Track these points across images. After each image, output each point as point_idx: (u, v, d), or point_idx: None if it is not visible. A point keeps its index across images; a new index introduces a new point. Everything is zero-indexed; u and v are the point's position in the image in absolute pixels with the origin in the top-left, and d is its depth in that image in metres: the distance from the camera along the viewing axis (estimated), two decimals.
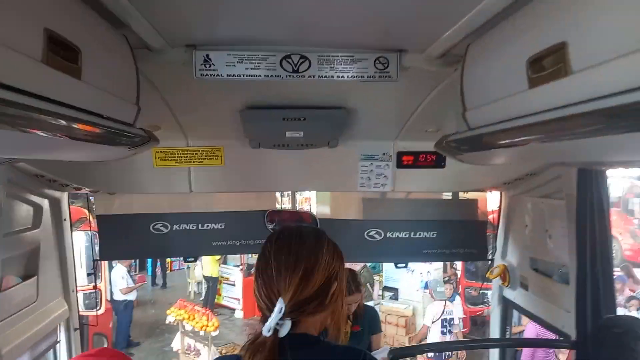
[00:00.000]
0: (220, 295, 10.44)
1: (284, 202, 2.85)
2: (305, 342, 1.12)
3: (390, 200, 2.87)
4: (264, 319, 1.06)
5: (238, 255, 10.34)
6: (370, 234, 2.80)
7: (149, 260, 12.20)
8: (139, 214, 2.69)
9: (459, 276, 9.38)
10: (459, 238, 2.80)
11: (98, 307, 5.01)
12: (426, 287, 8.12)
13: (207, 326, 5.53)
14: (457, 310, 7.73)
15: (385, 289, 8.54)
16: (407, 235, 2.80)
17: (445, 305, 6.91)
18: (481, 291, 3.38)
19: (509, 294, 2.83)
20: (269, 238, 1.22)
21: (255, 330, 1.09)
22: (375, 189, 2.57)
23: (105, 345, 7.44)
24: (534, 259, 2.55)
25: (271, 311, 1.04)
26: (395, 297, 8.46)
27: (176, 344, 6.15)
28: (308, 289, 1.09)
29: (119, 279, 7.78)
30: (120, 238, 2.69)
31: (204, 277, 10.36)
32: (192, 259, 2.85)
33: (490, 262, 2.87)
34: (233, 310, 10.16)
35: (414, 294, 8.18)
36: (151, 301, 11.12)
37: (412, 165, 2.49)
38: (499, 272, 2.76)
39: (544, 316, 2.46)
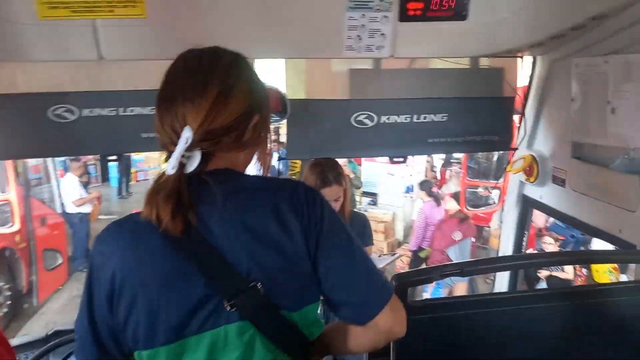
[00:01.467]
0: None
1: None
2: (226, 175, 0.91)
3: (388, 72, 2.11)
4: (168, 156, 0.85)
5: None
6: (359, 118, 2.07)
7: (111, 168, 11.40)
8: (30, 94, 1.88)
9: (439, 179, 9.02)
10: (477, 121, 2.10)
11: (10, 224, 4.31)
12: (408, 191, 7.69)
13: None
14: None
15: (364, 194, 8.06)
16: (408, 119, 2.09)
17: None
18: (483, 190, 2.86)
19: (533, 191, 2.22)
20: (176, 58, 0.96)
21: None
22: (368, 54, 1.83)
23: (61, 262, 6.92)
24: (579, 144, 1.90)
25: (176, 144, 0.83)
26: (374, 203, 8.02)
27: None
28: (222, 117, 0.86)
29: (70, 190, 6.99)
30: (5, 129, 1.89)
31: None
32: (115, 158, 2.07)
33: (511, 152, 2.22)
34: None
35: (394, 199, 7.76)
36: (117, 213, 10.48)
37: (421, 17, 1.73)
38: (525, 165, 2.12)
39: (588, 219, 1.87)
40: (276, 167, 10.77)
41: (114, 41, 1.68)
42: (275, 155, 10.91)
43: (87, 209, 7.29)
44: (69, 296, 6.71)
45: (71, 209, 7.08)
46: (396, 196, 7.60)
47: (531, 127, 2.12)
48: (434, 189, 7.13)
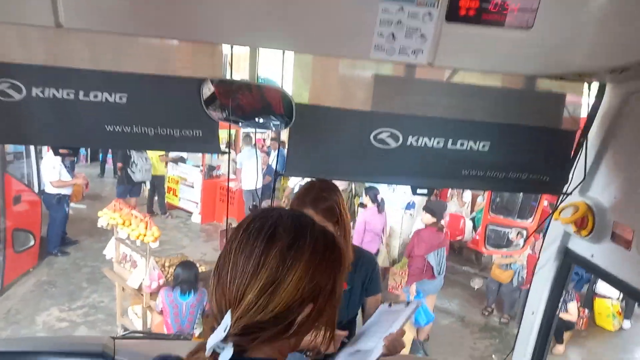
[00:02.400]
0: (176, 196, 9.38)
1: (236, 69, 1.61)
2: None
3: (421, 84, 1.69)
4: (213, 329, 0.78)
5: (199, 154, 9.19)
6: (381, 136, 1.65)
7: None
8: None
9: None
10: (527, 155, 1.68)
11: None
12: (409, 207, 7.27)
13: (144, 235, 4.47)
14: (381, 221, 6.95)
15: (360, 205, 7.64)
16: (441, 144, 1.67)
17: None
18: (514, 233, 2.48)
19: (583, 247, 1.81)
20: (240, 223, 0.86)
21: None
22: (401, 58, 1.41)
23: (32, 244, 6.47)
24: None
25: (219, 323, 0.77)
26: None
27: (109, 251, 5.13)
28: (265, 310, 0.77)
29: (48, 170, 6.53)
30: None
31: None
32: (69, 152, 1.65)
33: (561, 197, 1.80)
34: (190, 213, 9.17)
35: (392, 214, 7.34)
36: (100, 195, 10.02)
37: (473, 19, 1.33)
38: (578, 215, 1.71)
39: None
40: (273, 166, 10.38)
41: (78, 7, 1.27)
42: (273, 155, 10.57)
43: (67, 190, 6.83)
44: (36, 282, 6.26)
45: (50, 189, 6.63)
46: (395, 211, 7.18)
47: (590, 170, 1.71)
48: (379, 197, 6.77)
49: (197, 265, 5.11)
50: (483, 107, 1.68)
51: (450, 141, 1.67)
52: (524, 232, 2.46)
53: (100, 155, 11.86)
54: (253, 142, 8.68)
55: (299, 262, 0.80)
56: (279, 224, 0.83)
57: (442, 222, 5.71)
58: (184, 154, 9.13)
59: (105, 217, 4.87)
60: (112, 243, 5.08)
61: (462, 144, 1.68)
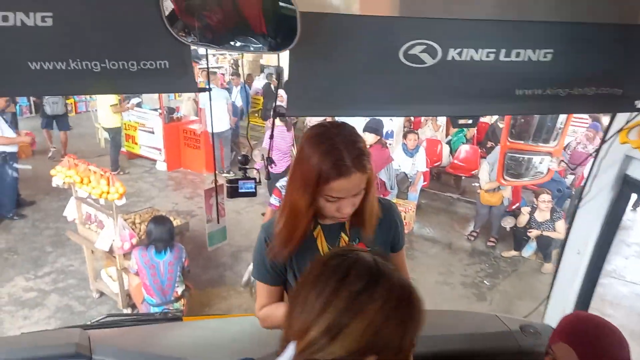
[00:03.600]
0: (136, 144, 8.70)
1: None
2: None
3: None
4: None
5: (155, 96, 8.44)
6: (413, 51, 1.23)
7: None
8: None
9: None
10: (598, 62, 1.31)
11: None
12: (388, 137, 6.94)
13: (107, 193, 3.98)
14: (419, 163, 6.73)
15: None
16: (492, 57, 1.26)
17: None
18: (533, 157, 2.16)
19: None
20: (322, 257, 0.88)
21: None
22: None
23: None
24: None
25: (282, 348, 0.79)
26: None
27: (70, 212, 4.61)
28: (325, 351, 0.74)
29: None
30: None
31: (102, 128, 8.43)
32: (8, 103, 1.14)
33: (631, 115, 1.46)
34: (154, 161, 8.57)
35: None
36: (52, 149, 9.20)
37: None
38: None
39: None
40: (237, 104, 9.72)
41: None
42: (235, 91, 9.87)
43: (12, 148, 6.11)
44: None
45: None
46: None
47: None
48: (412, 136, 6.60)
49: (171, 218, 4.71)
50: (543, 3, 1.26)
51: (503, 52, 1.26)
52: (568, 164, 2.15)
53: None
54: (216, 78, 8.00)
55: (367, 310, 0.77)
56: (355, 266, 0.81)
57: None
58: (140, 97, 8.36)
59: (60, 176, 4.31)
60: (72, 203, 4.55)
61: (517, 54, 1.27)
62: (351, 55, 1.24)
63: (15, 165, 6.30)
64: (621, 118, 1.50)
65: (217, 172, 1.63)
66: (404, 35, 1.22)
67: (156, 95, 8.37)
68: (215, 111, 7.28)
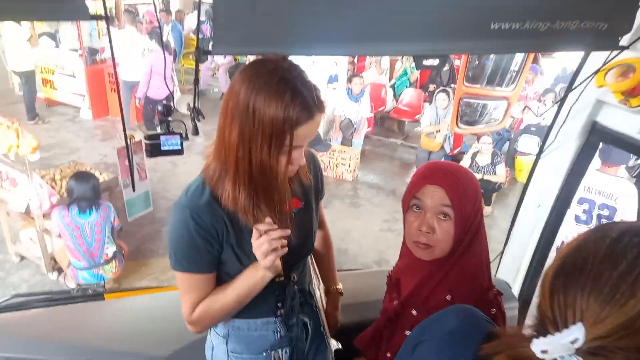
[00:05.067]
0: (55, 89, 7.84)
1: None
2: None
3: None
4: (539, 327, 0.67)
5: (74, 33, 7.54)
6: None
7: None
8: None
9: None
10: None
11: None
12: (331, 81, 6.65)
13: (18, 147, 3.49)
14: (364, 109, 6.55)
15: None
16: None
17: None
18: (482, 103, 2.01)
19: (625, 122, 1.38)
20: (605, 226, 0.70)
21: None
22: None
23: None
24: None
25: (555, 328, 0.65)
26: None
27: None
28: (623, 341, 0.62)
29: None
30: None
31: (13, 72, 7.46)
32: None
33: (611, 53, 1.29)
34: (77, 109, 7.80)
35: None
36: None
37: None
38: (634, 81, 1.23)
39: None
40: (171, 43, 8.95)
41: None
42: (166, 29, 9.04)
43: None
44: None
45: None
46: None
47: None
48: (357, 80, 6.32)
49: (98, 173, 4.29)
50: None
51: None
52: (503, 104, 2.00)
53: None
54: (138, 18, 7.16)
55: None
56: None
57: None
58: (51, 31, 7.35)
59: None
60: None
61: None
62: None
63: None
64: (597, 59, 1.33)
65: (126, 127, 1.31)
66: None
67: (74, 32, 7.49)
68: (128, 57, 6.60)
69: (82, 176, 3.61)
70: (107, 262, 3.69)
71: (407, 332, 1.13)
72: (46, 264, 4.09)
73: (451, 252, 1.12)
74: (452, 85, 6.94)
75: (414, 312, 1.16)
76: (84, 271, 3.66)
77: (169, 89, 6.16)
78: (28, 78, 7.15)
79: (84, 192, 3.49)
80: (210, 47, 1.02)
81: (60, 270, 4.11)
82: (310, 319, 1.37)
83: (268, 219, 1.10)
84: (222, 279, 1.19)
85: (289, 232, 1.11)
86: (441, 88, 6.56)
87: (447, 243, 1.12)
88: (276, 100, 0.98)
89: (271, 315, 1.27)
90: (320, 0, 1.00)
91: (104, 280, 3.79)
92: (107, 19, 1.07)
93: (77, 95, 7.66)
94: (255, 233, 1.09)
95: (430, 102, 6.83)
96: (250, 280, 1.15)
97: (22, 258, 4.36)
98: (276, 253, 1.09)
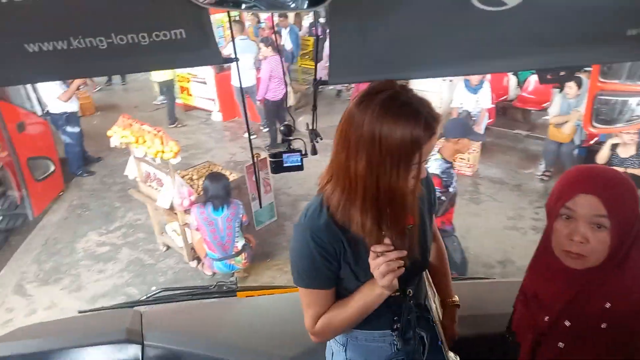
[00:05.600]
0: (190, 95, 8.70)
1: None
2: None
3: None
4: None
5: None
6: None
7: None
8: None
9: None
10: None
11: None
12: None
13: (162, 152, 3.97)
14: (483, 100, 6.23)
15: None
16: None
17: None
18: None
19: None
20: None
21: None
22: None
23: (52, 169, 6.13)
24: None
25: None
26: None
27: (130, 171, 4.70)
28: None
29: (48, 86, 5.88)
30: None
31: (156, 82, 8.41)
32: None
33: None
34: (209, 112, 8.58)
35: (429, 83, 6.56)
36: (114, 105, 9.46)
37: None
38: None
39: None
40: (286, 47, 9.36)
41: None
42: (284, 33, 9.46)
43: (73, 107, 6.26)
44: (68, 207, 6.05)
45: (54, 108, 6.08)
46: (433, 80, 6.38)
47: None
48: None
49: (227, 172, 4.69)
50: None
51: None
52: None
53: None
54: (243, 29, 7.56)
55: None
56: None
57: None
58: None
59: (116, 136, 4.35)
60: (131, 162, 4.63)
61: None
62: (405, 2, 0.98)
63: (78, 123, 6.50)
64: None
65: (251, 138, 1.44)
66: None
67: None
68: (242, 63, 7.02)
69: (215, 177, 3.98)
70: (238, 254, 4.04)
71: (560, 344, 1.11)
72: (187, 253, 4.61)
73: (607, 260, 1.06)
74: (587, 69, 6.27)
75: (567, 323, 1.12)
76: (219, 262, 4.06)
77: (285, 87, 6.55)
78: (168, 87, 8.05)
79: (217, 191, 3.86)
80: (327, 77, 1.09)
81: (199, 260, 4.59)
82: (427, 333, 1.38)
83: (386, 240, 1.14)
84: (341, 294, 1.26)
85: (405, 253, 1.14)
86: (571, 75, 5.96)
87: (602, 253, 1.05)
88: (402, 124, 1.03)
89: (388, 329, 1.31)
90: (430, 24, 1.00)
91: (235, 270, 4.17)
92: (237, 60, 1.19)
93: (209, 100, 8.42)
94: (372, 254, 1.14)
95: (561, 90, 6.25)
96: (367, 297, 1.21)
97: (168, 248, 4.96)
98: (394, 273, 1.12)
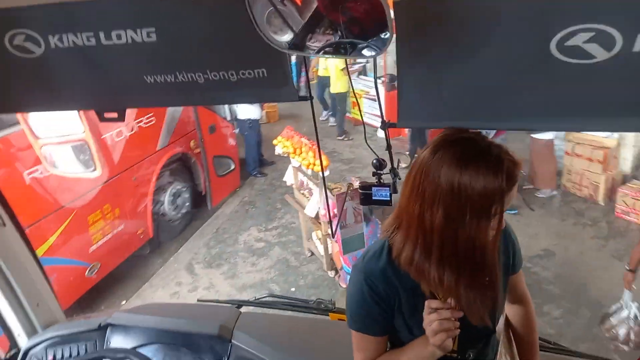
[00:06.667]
0: (360, 110, 9.04)
1: None
2: None
3: None
4: None
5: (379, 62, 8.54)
6: (573, 41, 0.84)
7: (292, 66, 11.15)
8: None
9: None
10: None
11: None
12: None
13: (313, 165, 4.25)
14: None
15: None
16: None
17: None
18: None
19: None
20: None
21: None
22: None
23: (233, 167, 7.00)
24: None
25: None
26: None
27: (289, 178, 5.13)
28: None
29: None
30: None
31: (330, 94, 8.92)
32: (113, 116, 1.28)
33: None
34: (375, 128, 8.79)
35: None
36: (296, 115, 10.38)
37: None
38: None
39: None
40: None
41: None
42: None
43: (255, 114, 7.09)
44: (240, 202, 6.86)
45: (241, 115, 6.98)
46: None
47: None
48: None
49: None
50: None
51: None
52: None
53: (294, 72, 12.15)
54: None
55: None
56: None
57: None
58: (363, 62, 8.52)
59: (280, 145, 4.80)
60: (290, 170, 5.05)
61: None
62: (481, 49, 0.93)
63: (258, 130, 7.34)
64: None
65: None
66: (558, 20, 0.84)
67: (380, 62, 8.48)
68: None
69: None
70: None
71: None
72: (326, 262, 4.83)
73: None
74: None
75: None
76: None
77: None
78: (341, 99, 8.52)
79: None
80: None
81: (336, 271, 4.77)
82: None
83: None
84: (393, 343, 1.22)
85: (461, 314, 1.06)
86: None
87: None
88: (483, 173, 0.97)
89: None
90: (507, 73, 0.93)
91: None
92: (312, 98, 1.26)
93: (377, 116, 8.61)
94: (427, 308, 1.09)
95: None
96: (418, 353, 1.14)
97: (312, 254, 5.27)
98: (446, 333, 1.05)
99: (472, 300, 1.07)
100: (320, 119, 9.92)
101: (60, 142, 2.79)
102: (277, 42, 1.01)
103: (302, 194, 4.96)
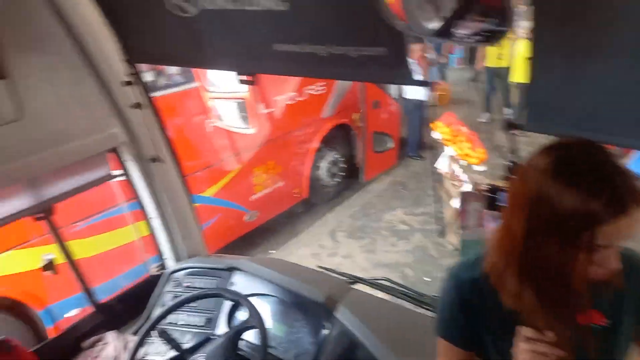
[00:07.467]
0: None
1: None
2: None
3: None
4: None
5: None
6: None
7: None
8: None
9: None
10: None
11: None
12: None
13: (468, 156, 4.01)
14: None
15: None
16: None
17: None
18: None
19: None
20: None
21: None
22: None
23: (390, 145, 6.98)
24: None
25: None
26: None
27: (441, 165, 4.93)
28: None
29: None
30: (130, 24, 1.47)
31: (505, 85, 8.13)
32: (248, 79, 1.38)
33: None
34: None
35: None
36: (468, 100, 9.85)
37: None
38: None
39: None
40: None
41: None
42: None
43: (423, 95, 6.91)
44: (391, 181, 6.86)
45: (408, 94, 6.88)
46: None
47: None
48: None
49: None
50: None
51: None
52: None
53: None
54: None
55: None
56: None
57: None
58: None
59: (438, 131, 4.64)
60: (444, 157, 4.86)
61: None
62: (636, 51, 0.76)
63: (424, 111, 7.15)
64: None
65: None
66: None
67: None
68: None
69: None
70: None
71: None
72: None
73: None
74: None
75: None
76: None
77: None
78: (501, 75, 7.87)
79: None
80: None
81: None
82: None
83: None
84: None
85: (563, 354, 0.92)
86: None
87: None
88: (575, 189, 0.84)
89: None
90: None
91: None
92: (430, 84, 1.17)
93: None
94: (519, 335, 0.97)
95: None
96: None
97: (456, 249, 5.04)
98: None
99: (562, 332, 0.93)
100: (481, 120, 9.09)
101: (225, 97, 3.11)
102: (398, 23, 0.97)
103: (453, 184, 4.74)
